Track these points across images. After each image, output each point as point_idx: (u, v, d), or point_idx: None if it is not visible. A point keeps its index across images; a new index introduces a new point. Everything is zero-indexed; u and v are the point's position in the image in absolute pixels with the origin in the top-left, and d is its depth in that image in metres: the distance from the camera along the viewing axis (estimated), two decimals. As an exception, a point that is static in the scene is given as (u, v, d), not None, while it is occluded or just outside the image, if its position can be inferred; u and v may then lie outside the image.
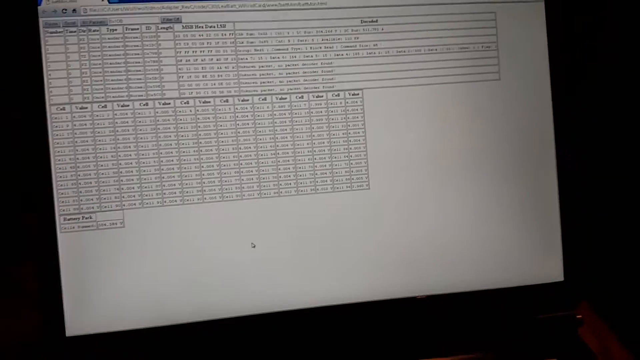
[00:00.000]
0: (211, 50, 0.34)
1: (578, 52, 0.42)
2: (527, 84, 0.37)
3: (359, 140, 0.35)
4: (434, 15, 0.36)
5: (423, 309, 0.36)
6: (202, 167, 0.34)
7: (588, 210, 0.40)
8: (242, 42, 0.34)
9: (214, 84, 0.34)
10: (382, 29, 0.35)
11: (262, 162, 0.34)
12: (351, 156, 0.35)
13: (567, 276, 0.37)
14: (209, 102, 0.34)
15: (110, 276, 0.33)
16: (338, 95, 0.35)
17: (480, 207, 0.36)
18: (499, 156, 0.37)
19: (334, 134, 0.35)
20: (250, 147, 0.34)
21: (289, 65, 0.35)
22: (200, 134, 0.34)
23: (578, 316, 0.37)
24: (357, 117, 0.35)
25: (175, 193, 0.34)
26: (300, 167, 0.35)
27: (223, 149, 0.34)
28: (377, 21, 0.35)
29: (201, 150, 0.34)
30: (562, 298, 0.37)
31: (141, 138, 0.33)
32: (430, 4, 0.36)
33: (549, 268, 0.37)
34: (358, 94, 0.35)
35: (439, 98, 0.36)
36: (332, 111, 0.35)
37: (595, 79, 0.44)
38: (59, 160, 0.33)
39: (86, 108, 0.33)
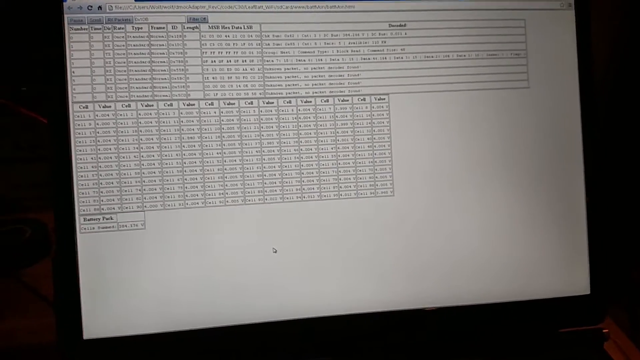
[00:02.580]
0: (237, 52, 0.33)
1: (608, 60, 0.42)
2: (557, 92, 0.36)
3: (384, 145, 0.35)
4: (464, 20, 0.35)
5: (443, 319, 0.35)
6: (225, 169, 0.33)
7: (616, 222, 0.39)
8: (269, 44, 0.34)
9: (239, 86, 0.34)
10: (411, 34, 0.35)
11: (285, 166, 0.34)
12: (376, 162, 0.35)
13: (594, 289, 0.36)
14: (234, 103, 0.33)
15: (130, 279, 0.32)
16: (364, 99, 0.35)
17: (505, 217, 0.36)
18: (525, 165, 0.36)
19: (358, 139, 0.35)
20: (273, 150, 0.34)
21: (314, 69, 0.34)
22: (223, 136, 0.33)
23: (604, 330, 0.36)
24: (383, 122, 0.35)
25: (197, 195, 0.33)
26: (323, 172, 0.34)
27: (246, 152, 0.34)
28: (405, 25, 0.35)
29: (224, 153, 0.33)
30: (588, 312, 0.37)
31: (164, 139, 0.33)
32: (460, 9, 0.35)
33: (575, 281, 0.36)
34: (384, 99, 0.35)
35: (466, 104, 0.35)
36: (357, 116, 0.35)
37: (625, 88, 0.43)
38: (80, 159, 0.32)
39: (110, 107, 0.32)
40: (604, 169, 0.37)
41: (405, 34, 0.35)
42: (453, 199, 0.35)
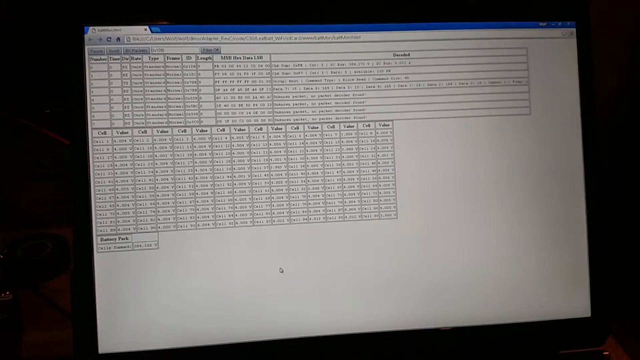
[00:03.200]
0: (247, 81, 0.35)
1: (609, 89, 0.43)
2: (558, 119, 0.37)
3: (388, 170, 0.36)
4: (466, 49, 0.36)
5: (446, 340, 0.36)
6: (235, 192, 0.35)
7: (617, 245, 0.40)
8: (278, 73, 0.35)
9: (249, 113, 0.35)
10: (414, 63, 0.36)
11: (293, 189, 0.35)
12: (380, 185, 0.36)
13: (595, 312, 0.37)
14: (244, 129, 0.35)
15: (144, 296, 0.34)
16: (369, 125, 0.36)
17: (506, 240, 0.37)
18: (526, 189, 0.37)
19: (363, 164, 0.36)
20: (281, 174, 0.35)
21: (321, 96, 0.36)
22: (234, 160, 0.35)
23: (605, 352, 0.37)
24: (387, 148, 0.36)
25: (208, 217, 0.35)
26: (329, 195, 0.36)
27: (255, 175, 0.35)
28: (409, 55, 0.36)
29: (234, 176, 0.35)
30: (589, 334, 0.37)
31: (178, 163, 0.35)
32: (463, 38, 0.36)
33: (576, 303, 0.37)
34: (388, 125, 0.36)
35: (468, 131, 0.36)
36: (362, 141, 0.36)
37: (627, 115, 0.44)
38: (99, 182, 0.34)
39: (127, 133, 0.34)
40: (605, 192, 0.37)
41: (409, 62, 0.36)
42: (455, 223, 0.36)
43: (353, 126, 0.36)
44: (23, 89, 0.47)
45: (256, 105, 0.35)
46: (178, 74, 0.35)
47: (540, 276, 0.37)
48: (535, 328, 0.37)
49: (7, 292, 0.42)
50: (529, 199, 0.37)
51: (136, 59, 0.34)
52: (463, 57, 0.36)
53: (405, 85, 0.36)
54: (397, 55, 0.36)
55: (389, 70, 0.36)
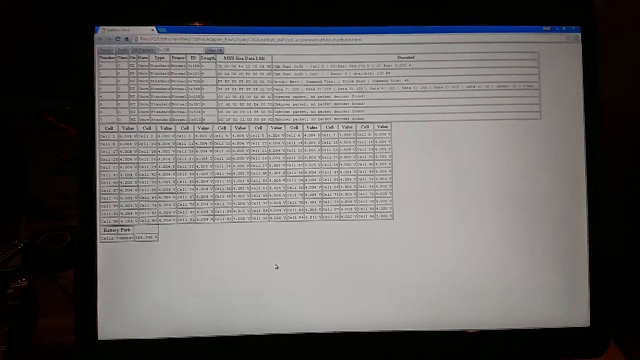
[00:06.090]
0: (249, 80, 0.36)
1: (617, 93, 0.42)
2: (569, 125, 0.37)
3: (385, 171, 0.36)
4: (475, 53, 0.37)
5: (440, 343, 0.36)
6: (234, 188, 0.36)
7: (618, 255, 0.39)
8: (279, 74, 0.36)
9: (250, 112, 0.36)
10: (416, 65, 0.36)
11: (290, 187, 0.36)
12: (377, 186, 0.36)
13: (594, 322, 0.36)
14: (244, 128, 0.36)
15: (143, 286, 0.35)
16: (367, 127, 0.36)
17: (506, 245, 0.36)
18: (529, 194, 0.36)
19: (360, 164, 0.36)
20: (279, 172, 0.36)
21: (321, 97, 0.36)
22: (233, 158, 0.36)
23: (604, 363, 0.36)
24: (385, 149, 0.36)
25: (207, 212, 0.36)
26: (326, 194, 0.36)
27: (254, 173, 0.36)
28: (414, 57, 0.36)
29: (234, 173, 0.36)
30: (587, 344, 0.36)
31: (180, 159, 0.36)
32: (471, 42, 0.36)
33: (575, 312, 0.36)
34: (387, 127, 0.36)
35: (473, 134, 0.36)
36: (360, 142, 0.36)
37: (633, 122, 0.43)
38: (104, 175, 0.35)
39: (132, 129, 0.36)
40: (607, 200, 0.37)
41: (410, 65, 0.36)
42: (453, 227, 0.36)
43: (352, 127, 0.36)
44: (44, 87, 0.49)
45: (257, 104, 0.36)
46: (182, 73, 0.36)
47: (540, 283, 0.36)
48: (533, 335, 0.36)
49: (23, 279, 0.44)
50: (530, 204, 0.36)
51: (143, 58, 0.36)
52: (472, 60, 0.36)
53: (407, 88, 0.36)
54: (402, 57, 0.36)
55: (389, 73, 0.36)
